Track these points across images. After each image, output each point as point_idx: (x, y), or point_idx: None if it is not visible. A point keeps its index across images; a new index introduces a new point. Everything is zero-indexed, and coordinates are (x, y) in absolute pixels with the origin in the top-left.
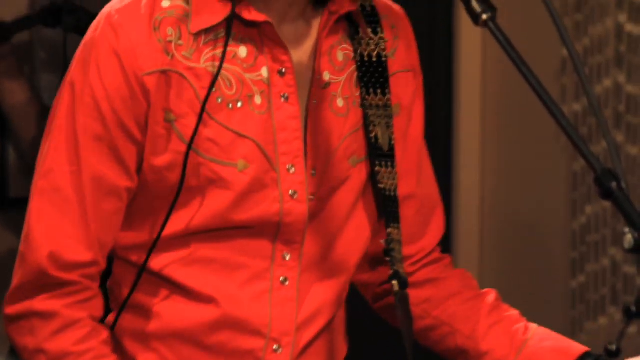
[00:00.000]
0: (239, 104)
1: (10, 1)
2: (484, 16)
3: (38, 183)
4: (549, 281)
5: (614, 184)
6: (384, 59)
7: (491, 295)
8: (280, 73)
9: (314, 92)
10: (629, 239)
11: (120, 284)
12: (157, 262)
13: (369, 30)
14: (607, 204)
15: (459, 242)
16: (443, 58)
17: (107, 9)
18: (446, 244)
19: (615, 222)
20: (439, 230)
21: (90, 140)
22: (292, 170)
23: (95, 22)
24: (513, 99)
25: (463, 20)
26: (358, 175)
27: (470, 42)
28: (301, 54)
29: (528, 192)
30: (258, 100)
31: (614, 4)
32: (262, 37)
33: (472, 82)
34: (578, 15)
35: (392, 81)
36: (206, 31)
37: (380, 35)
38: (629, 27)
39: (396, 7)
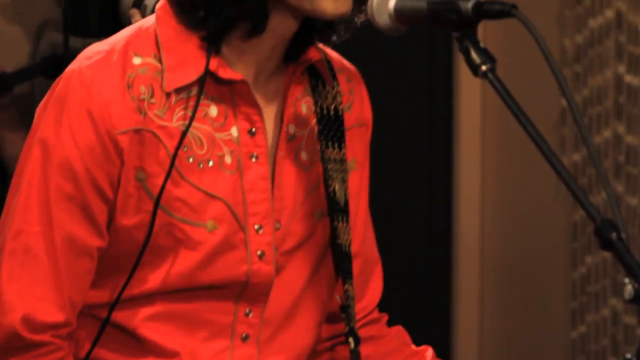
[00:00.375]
0: (210, 164)
1: (11, 52)
2: (483, 67)
3: (7, 244)
4: (549, 331)
5: (614, 235)
6: (340, 112)
7: (429, 351)
8: (251, 133)
9: (281, 144)
10: (629, 289)
11: (84, 340)
12: (123, 319)
13: (328, 81)
14: (607, 255)
15: (460, 291)
16: (442, 108)
17: (75, 65)
18: (446, 295)
19: (615, 273)
20: (378, 290)
21: (62, 200)
22: (261, 231)
23: (64, 79)
24: (512, 149)
25: (462, 70)
26: (323, 230)
27: (470, 92)
28: (271, 110)
29: (528, 242)
30: (228, 160)
31: (613, 55)
32: (233, 95)
33: (471, 132)
34: (577, 66)
35: (348, 135)
36: (178, 90)
37: (336, 88)
38: (628, 78)
39: (349, 64)
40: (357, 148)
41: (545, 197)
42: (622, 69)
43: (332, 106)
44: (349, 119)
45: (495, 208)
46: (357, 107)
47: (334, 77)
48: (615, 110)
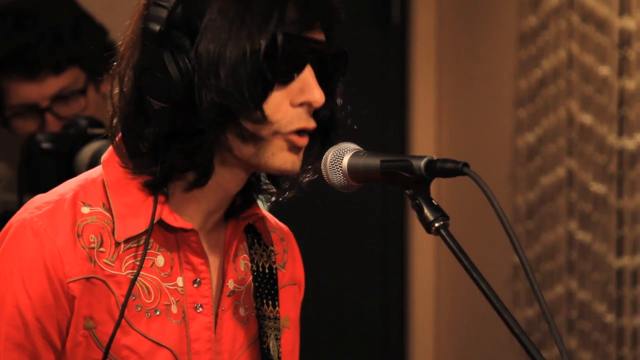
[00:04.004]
0: (157, 312)
1: None
2: (436, 224)
3: None
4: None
5: None
6: (274, 271)
7: None
8: (196, 282)
9: (223, 298)
10: None
11: None
12: None
13: (263, 240)
14: None
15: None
16: (396, 272)
17: (25, 215)
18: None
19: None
20: None
21: (11, 350)
22: None
23: (15, 228)
24: (465, 305)
25: (416, 227)
26: None
27: (423, 249)
28: (213, 263)
29: None
30: (174, 309)
31: (564, 212)
32: (180, 243)
33: (425, 288)
34: (529, 222)
35: (282, 294)
36: (127, 239)
37: (271, 247)
38: (580, 235)
39: (282, 224)
40: (290, 306)
41: (499, 352)
42: (573, 225)
43: (267, 264)
44: (283, 277)
45: None
46: (290, 266)
47: (268, 236)
48: (567, 266)
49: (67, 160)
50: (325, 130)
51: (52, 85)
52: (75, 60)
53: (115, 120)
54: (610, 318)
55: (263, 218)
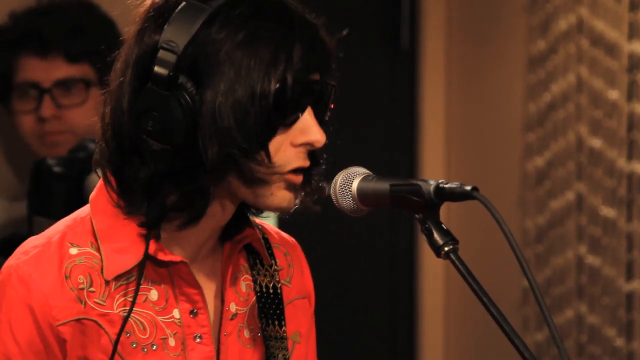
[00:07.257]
0: (154, 347)
1: None
2: (446, 248)
3: None
4: None
5: None
6: (279, 290)
7: None
8: (192, 313)
9: (224, 324)
10: None
11: None
12: None
13: (265, 259)
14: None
15: None
16: (405, 290)
17: (13, 261)
18: None
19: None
20: None
21: None
22: None
23: (2, 275)
24: (475, 330)
25: (425, 251)
26: None
27: (433, 273)
28: (211, 289)
29: None
30: (172, 342)
31: (574, 236)
32: (173, 276)
33: (434, 312)
34: (539, 246)
35: (290, 309)
36: (117, 276)
37: (274, 265)
38: (590, 259)
39: (287, 236)
40: (300, 320)
41: None
42: (583, 249)
43: (271, 284)
44: (290, 292)
45: None
46: (297, 280)
47: (271, 253)
48: (576, 290)
49: (77, 184)
50: (314, 165)
51: (61, 69)
52: (88, 55)
53: (105, 156)
54: (620, 342)
55: (261, 238)
